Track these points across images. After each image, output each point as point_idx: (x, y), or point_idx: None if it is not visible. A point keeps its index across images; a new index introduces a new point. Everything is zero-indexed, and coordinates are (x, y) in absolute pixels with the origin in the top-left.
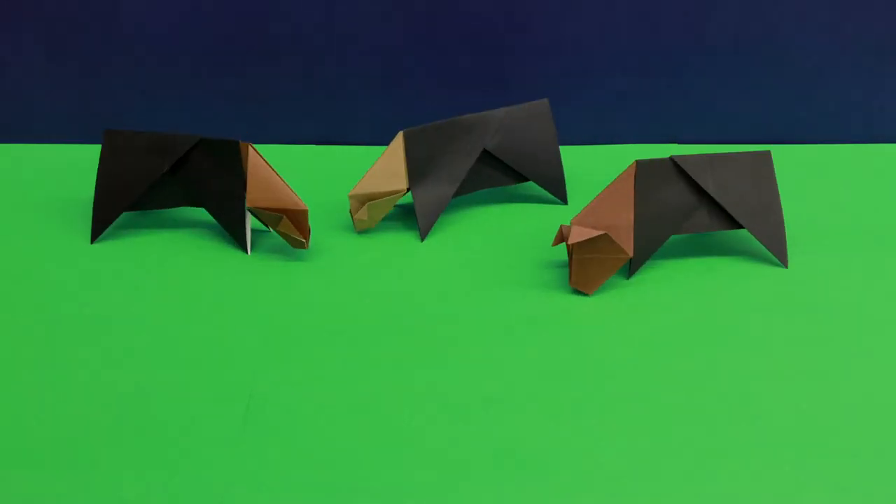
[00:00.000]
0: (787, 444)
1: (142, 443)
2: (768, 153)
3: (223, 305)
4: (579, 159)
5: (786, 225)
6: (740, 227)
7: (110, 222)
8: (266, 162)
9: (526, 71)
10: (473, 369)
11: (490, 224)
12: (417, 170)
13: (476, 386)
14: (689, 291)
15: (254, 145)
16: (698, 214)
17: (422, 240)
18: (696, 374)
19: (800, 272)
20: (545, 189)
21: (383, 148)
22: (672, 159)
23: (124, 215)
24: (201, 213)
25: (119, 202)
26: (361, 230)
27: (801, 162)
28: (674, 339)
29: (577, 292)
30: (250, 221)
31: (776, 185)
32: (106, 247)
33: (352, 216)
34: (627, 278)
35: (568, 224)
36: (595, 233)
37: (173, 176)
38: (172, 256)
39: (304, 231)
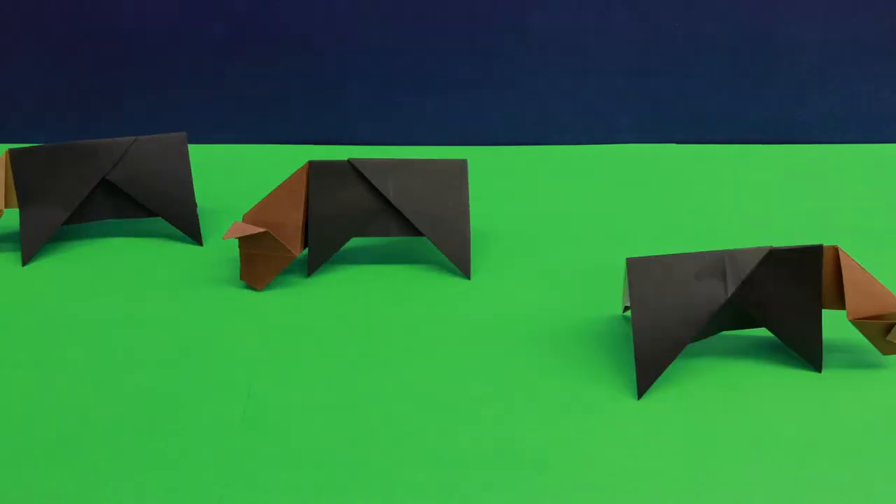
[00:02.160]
0: (787, 443)
1: (140, 442)
2: (463, 162)
3: (221, 306)
4: (578, 159)
5: (785, 224)
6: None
7: None
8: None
9: (525, 70)
10: (470, 369)
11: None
12: (27, 191)
13: (474, 385)
14: None
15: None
16: (381, 219)
17: (23, 264)
18: (696, 373)
19: None
20: (175, 226)
21: (383, 148)
22: (350, 162)
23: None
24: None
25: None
26: None
27: (801, 162)
28: None
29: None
30: None
31: (467, 195)
32: (100, 253)
33: None
34: (307, 276)
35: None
36: (256, 230)
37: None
38: (168, 257)
39: None
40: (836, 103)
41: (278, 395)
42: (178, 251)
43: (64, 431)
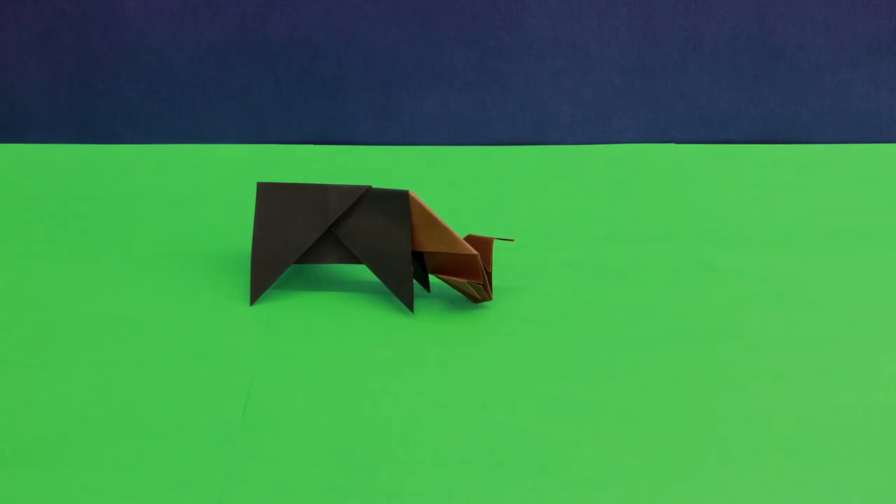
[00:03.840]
0: (786, 444)
1: (140, 443)
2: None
3: (221, 307)
4: (578, 159)
5: (785, 224)
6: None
7: None
8: None
9: (524, 70)
10: (470, 369)
11: None
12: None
13: (474, 386)
14: (688, 291)
15: None
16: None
17: (251, 303)
18: (697, 373)
19: (800, 272)
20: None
21: (383, 148)
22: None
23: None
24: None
25: None
26: None
27: (801, 162)
28: (674, 339)
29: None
30: None
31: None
32: (104, 250)
33: None
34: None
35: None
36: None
37: None
38: (168, 257)
39: None
40: (835, 103)
41: (278, 395)
42: (177, 250)
43: (64, 431)
